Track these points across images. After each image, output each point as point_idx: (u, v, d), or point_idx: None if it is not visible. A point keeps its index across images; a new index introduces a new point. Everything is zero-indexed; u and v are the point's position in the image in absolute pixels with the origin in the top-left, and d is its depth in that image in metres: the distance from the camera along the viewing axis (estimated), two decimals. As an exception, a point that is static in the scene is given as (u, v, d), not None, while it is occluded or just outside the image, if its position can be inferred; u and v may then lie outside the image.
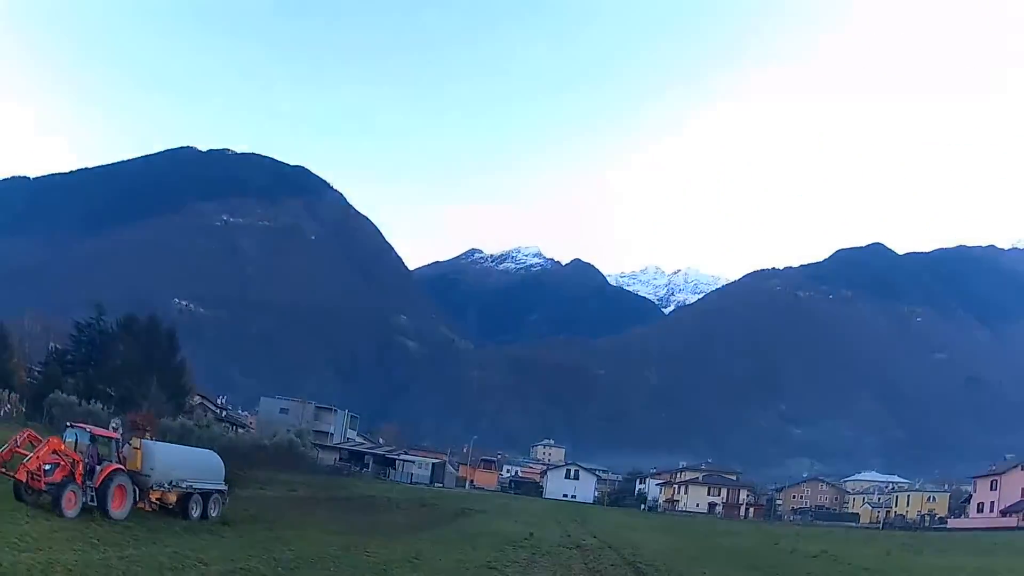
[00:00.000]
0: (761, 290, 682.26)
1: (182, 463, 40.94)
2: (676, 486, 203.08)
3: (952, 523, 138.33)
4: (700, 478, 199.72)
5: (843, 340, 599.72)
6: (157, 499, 38.97)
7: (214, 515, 41.81)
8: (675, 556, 57.06)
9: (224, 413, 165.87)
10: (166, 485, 39.01)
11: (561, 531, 71.87)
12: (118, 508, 34.40)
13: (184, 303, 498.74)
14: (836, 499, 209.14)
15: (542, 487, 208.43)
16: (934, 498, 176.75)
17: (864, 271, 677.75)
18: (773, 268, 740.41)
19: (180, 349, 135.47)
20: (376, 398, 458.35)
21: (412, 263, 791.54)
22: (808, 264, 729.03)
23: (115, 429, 38.62)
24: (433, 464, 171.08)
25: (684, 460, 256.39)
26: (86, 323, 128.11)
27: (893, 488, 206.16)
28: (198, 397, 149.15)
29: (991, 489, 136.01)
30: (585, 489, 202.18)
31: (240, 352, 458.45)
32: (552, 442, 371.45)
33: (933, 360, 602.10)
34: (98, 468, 34.39)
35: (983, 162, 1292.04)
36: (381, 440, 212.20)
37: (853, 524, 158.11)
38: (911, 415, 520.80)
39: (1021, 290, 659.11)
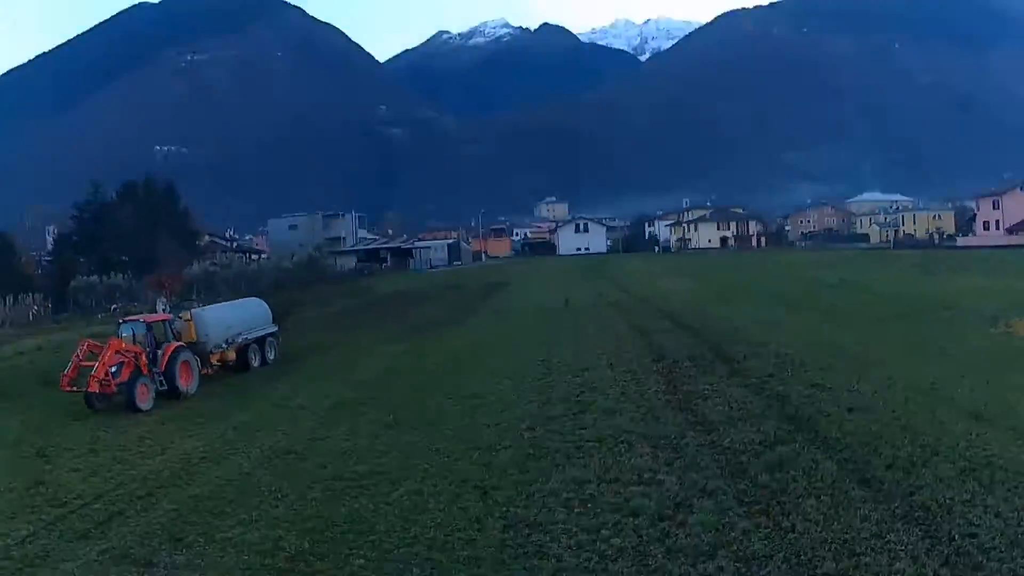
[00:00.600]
0: (734, 30, 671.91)
1: (232, 320, 41.31)
2: (685, 225, 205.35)
3: (961, 241, 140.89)
4: (708, 215, 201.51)
5: (825, 72, 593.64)
6: (218, 361, 39.48)
7: (272, 358, 42.92)
8: (704, 299, 60.32)
9: (235, 244, 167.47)
10: (224, 345, 39.60)
11: (592, 291, 74.28)
12: (188, 383, 34.98)
13: (167, 149, 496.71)
14: (843, 221, 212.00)
15: (554, 245, 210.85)
16: (940, 216, 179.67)
17: (834, 5, 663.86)
18: (743, 8, 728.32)
19: (180, 198, 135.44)
20: (373, 193, 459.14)
21: (382, 56, 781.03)
22: (777, 2, 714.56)
23: (164, 308, 39.69)
24: (448, 245, 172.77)
25: (686, 197, 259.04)
26: (85, 201, 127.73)
27: (898, 208, 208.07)
28: (207, 237, 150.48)
29: (994, 208, 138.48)
30: (597, 241, 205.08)
31: (232, 183, 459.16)
32: (554, 199, 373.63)
33: (920, 85, 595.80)
34: (159, 352, 34.59)
35: None
36: (390, 231, 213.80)
37: (864, 245, 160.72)
38: (905, 138, 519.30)
39: (995, 16, 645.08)
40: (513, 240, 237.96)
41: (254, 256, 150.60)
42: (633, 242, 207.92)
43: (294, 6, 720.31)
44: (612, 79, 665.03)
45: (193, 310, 40.14)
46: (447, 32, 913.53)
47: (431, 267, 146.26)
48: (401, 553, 15.59)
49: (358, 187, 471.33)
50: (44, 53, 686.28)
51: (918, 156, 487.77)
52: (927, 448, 18.94)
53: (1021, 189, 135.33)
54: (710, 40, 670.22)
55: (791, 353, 32.86)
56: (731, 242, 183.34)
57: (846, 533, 14.51)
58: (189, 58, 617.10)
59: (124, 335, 34.35)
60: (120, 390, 32.01)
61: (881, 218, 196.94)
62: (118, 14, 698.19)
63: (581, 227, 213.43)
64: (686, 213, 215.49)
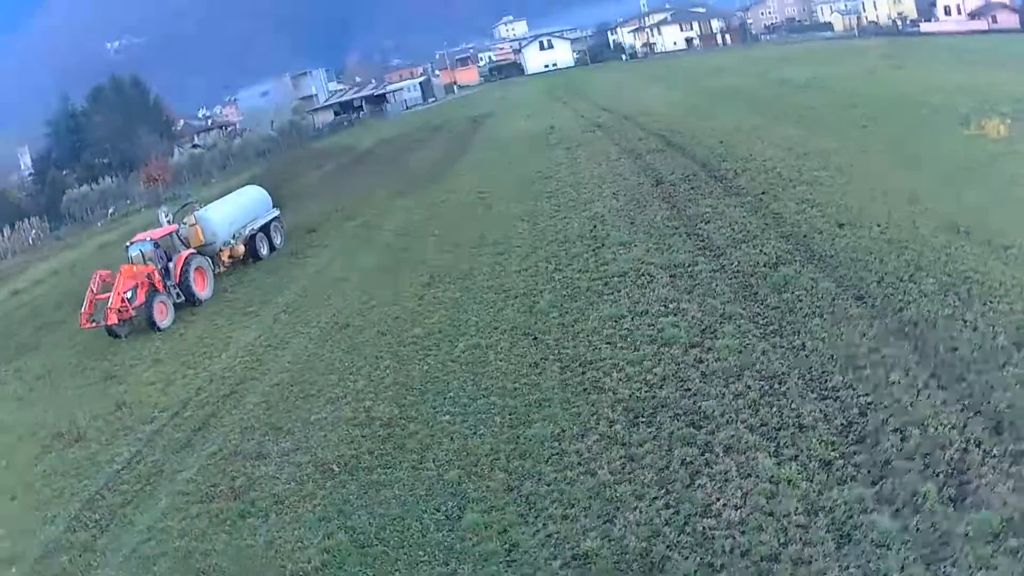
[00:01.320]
0: None
1: (236, 213, 40.79)
2: (649, 30, 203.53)
3: (924, 27, 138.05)
4: (669, 18, 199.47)
5: None
6: (228, 257, 39.50)
7: (279, 243, 42.77)
8: (684, 112, 60.93)
9: (210, 121, 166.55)
10: (231, 241, 39.35)
11: (573, 113, 74.95)
12: (203, 289, 35.17)
13: (117, 43, 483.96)
14: (804, 9, 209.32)
15: (521, 65, 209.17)
16: (901, 0, 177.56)
17: None
18: None
19: (149, 90, 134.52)
20: (328, 42, 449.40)
21: None
22: None
23: (167, 218, 39.53)
24: (420, 84, 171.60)
25: (644, 0, 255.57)
26: (56, 115, 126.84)
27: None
28: (181, 121, 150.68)
29: None
30: (563, 55, 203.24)
31: (187, 60, 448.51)
32: (511, 18, 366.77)
33: None
34: (171, 265, 34.56)
35: None
36: (357, 80, 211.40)
37: (828, 34, 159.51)
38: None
39: None
40: (479, 67, 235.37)
41: (229, 128, 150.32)
42: (599, 53, 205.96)
43: None
44: None
45: (196, 212, 39.26)
46: None
47: (407, 108, 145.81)
48: (479, 404, 17.97)
49: (313, 38, 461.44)
50: None
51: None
52: (911, 263, 20.94)
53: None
54: None
55: (778, 167, 34.76)
56: (696, 42, 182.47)
57: (848, 349, 16.92)
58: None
59: (134, 256, 34.40)
60: (139, 312, 32.25)
61: (842, 5, 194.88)
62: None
63: (546, 44, 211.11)
64: (647, 18, 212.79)
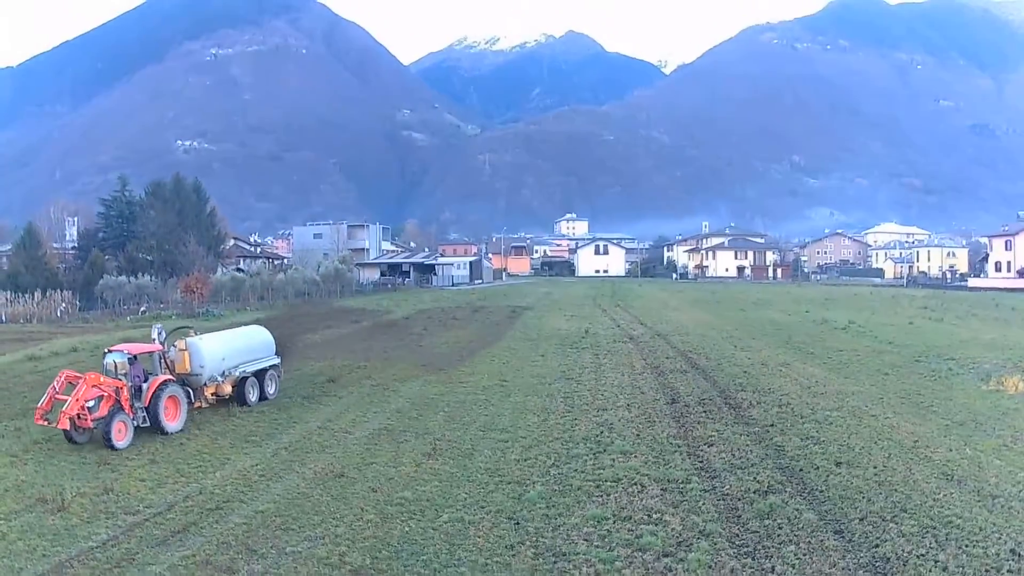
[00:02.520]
0: (758, 44, 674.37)
1: (231, 350, 38.92)
2: (704, 252, 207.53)
3: (972, 282, 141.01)
4: (726, 243, 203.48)
5: (846, 90, 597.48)
6: (212, 394, 37.60)
7: (272, 393, 40.44)
8: (718, 338, 63.56)
9: (259, 249, 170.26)
10: (219, 378, 37.59)
11: (610, 322, 77.80)
12: (174, 421, 33.09)
13: (188, 143, 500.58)
14: (859, 253, 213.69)
15: (573, 265, 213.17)
16: (954, 253, 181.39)
17: (859, 20, 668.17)
18: (767, 23, 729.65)
19: (209, 199, 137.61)
20: (393, 197, 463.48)
21: (406, 59, 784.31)
22: (802, 17, 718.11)
23: (158, 336, 36.77)
24: (470, 263, 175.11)
25: (705, 219, 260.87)
26: (112, 198, 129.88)
27: (913, 242, 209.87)
28: (232, 240, 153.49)
29: (1006, 249, 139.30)
30: (615, 263, 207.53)
31: (252, 179, 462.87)
32: (574, 216, 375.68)
33: (938, 108, 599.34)
34: (145, 386, 32.67)
35: None
36: (412, 244, 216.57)
37: (878, 280, 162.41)
38: (922, 161, 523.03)
39: (1017, 39, 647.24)
40: (532, 259, 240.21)
41: (277, 262, 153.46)
42: (651, 267, 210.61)
43: (318, 1, 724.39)
44: (635, 89, 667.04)
45: (189, 339, 37.63)
46: (471, 36, 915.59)
47: (453, 284, 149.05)
48: (448, 572, 18.69)
49: (379, 190, 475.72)
50: (68, 41, 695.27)
51: (934, 182, 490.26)
52: (897, 505, 21.81)
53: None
54: (733, 53, 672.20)
55: (794, 403, 35.96)
56: (748, 271, 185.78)
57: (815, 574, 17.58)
58: (213, 52, 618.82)
59: (107, 365, 32.83)
60: (97, 426, 30.70)
61: (896, 253, 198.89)
62: (140, 5, 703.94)
63: (601, 249, 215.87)
64: (705, 240, 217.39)
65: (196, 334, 38.82)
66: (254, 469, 28.03)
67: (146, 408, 32.26)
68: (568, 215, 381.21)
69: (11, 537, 20.98)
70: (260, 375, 39.91)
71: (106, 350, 34.25)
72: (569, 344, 60.11)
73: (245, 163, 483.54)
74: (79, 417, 30.16)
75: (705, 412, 34.65)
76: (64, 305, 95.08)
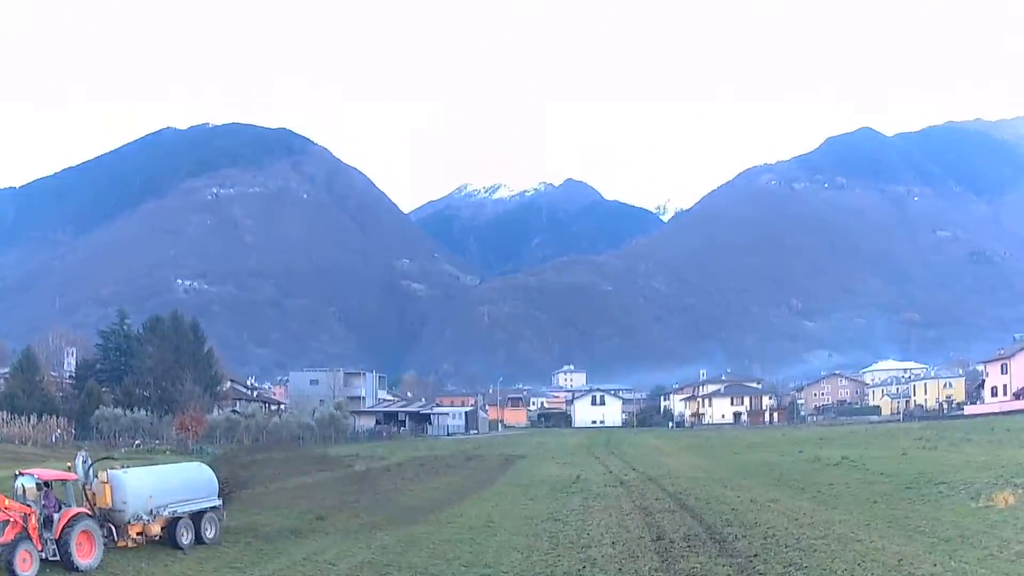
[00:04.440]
0: (756, 186, 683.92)
1: (161, 487, 36.17)
2: (700, 400, 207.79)
3: (968, 410, 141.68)
4: (722, 390, 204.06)
5: (844, 227, 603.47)
6: (138, 533, 34.64)
7: (211, 537, 37.40)
8: (709, 480, 63.51)
9: (256, 393, 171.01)
10: (145, 517, 34.58)
11: (603, 468, 77.68)
12: (86, 558, 30.37)
13: (188, 283, 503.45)
14: (856, 392, 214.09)
15: (570, 416, 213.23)
16: (951, 384, 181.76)
17: (856, 156, 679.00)
18: (765, 164, 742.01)
19: (206, 339, 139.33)
20: (391, 346, 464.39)
21: (406, 206, 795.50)
22: (799, 156, 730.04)
23: (82, 464, 34.59)
24: (466, 413, 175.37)
25: (703, 368, 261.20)
26: (110, 330, 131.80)
27: (910, 377, 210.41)
28: (229, 382, 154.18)
29: (1002, 373, 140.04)
30: (612, 413, 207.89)
31: (251, 323, 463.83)
32: (572, 368, 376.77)
33: (936, 238, 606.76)
34: (56, 516, 30.35)
35: (965, 37, 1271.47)
36: (409, 394, 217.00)
37: (875, 417, 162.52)
38: (920, 295, 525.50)
39: (1013, 161, 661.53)
40: (529, 410, 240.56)
41: (274, 407, 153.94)
42: (648, 416, 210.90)
43: (320, 145, 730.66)
44: (634, 238, 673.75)
45: (112, 471, 34.92)
46: (471, 184, 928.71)
47: (448, 433, 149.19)
48: None
49: (378, 340, 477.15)
50: (71, 168, 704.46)
51: (932, 314, 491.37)
52: None
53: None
54: (731, 197, 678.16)
55: (779, 534, 35.80)
56: (744, 417, 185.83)
57: None
58: (215, 191, 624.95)
59: (16, 488, 30.68)
60: (1, 551, 28.07)
61: (893, 389, 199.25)
62: (146, 136, 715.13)
63: (597, 399, 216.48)
64: (701, 388, 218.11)
65: (122, 467, 36.74)
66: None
67: (56, 540, 29.82)
68: (566, 367, 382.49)
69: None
70: (197, 517, 36.97)
71: (17, 472, 32.30)
72: (559, 489, 60.11)
73: (244, 307, 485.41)
74: None
75: (689, 547, 34.53)
76: (59, 431, 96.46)
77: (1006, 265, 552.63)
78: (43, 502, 30.36)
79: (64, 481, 32.18)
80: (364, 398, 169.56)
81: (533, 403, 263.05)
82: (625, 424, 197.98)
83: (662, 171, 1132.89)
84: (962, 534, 31.82)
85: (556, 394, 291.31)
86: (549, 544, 37.01)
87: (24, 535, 28.54)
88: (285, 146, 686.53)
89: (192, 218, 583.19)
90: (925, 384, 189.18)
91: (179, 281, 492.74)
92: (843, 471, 61.51)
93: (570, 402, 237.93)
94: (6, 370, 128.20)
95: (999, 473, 46.47)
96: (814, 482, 55.99)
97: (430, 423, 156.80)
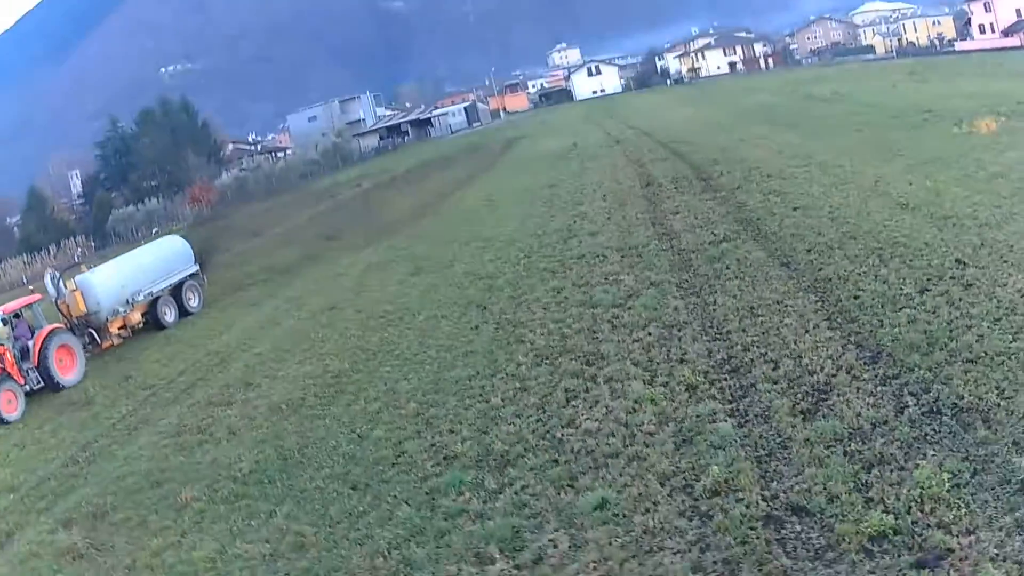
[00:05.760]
0: None
1: (131, 274, 35.07)
2: (694, 54, 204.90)
3: (959, 46, 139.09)
4: (713, 42, 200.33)
5: None
6: (120, 328, 33.91)
7: (194, 306, 36.91)
8: (703, 126, 64.11)
9: (259, 146, 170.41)
10: (121, 309, 33.81)
11: (601, 132, 78.15)
12: (70, 373, 29.24)
13: (172, 68, 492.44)
14: (848, 34, 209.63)
15: (570, 91, 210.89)
16: (939, 22, 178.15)
17: None
18: None
19: (198, 112, 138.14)
20: (385, 68, 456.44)
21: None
22: None
23: (52, 282, 33.72)
24: (465, 109, 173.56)
25: (695, 27, 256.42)
26: (106, 138, 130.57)
27: (899, 16, 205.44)
28: (231, 145, 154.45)
29: (986, 11, 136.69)
30: (610, 81, 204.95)
31: (243, 85, 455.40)
32: (565, 44, 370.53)
33: None
34: (31, 344, 28.90)
35: None
36: (408, 105, 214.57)
37: (870, 56, 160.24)
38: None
39: None
40: (529, 93, 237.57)
41: (279, 154, 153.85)
42: (646, 78, 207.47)
43: None
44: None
45: (78, 277, 33.76)
46: None
47: (452, 132, 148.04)
48: (418, 358, 20.34)
49: (370, 66, 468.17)
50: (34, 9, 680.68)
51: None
52: (847, 235, 22.21)
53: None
54: None
55: (763, 166, 36.60)
56: (739, 66, 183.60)
57: (754, 302, 18.45)
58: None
59: None
60: None
61: (883, 28, 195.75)
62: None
63: (594, 70, 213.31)
64: (693, 43, 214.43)
65: (87, 269, 35.33)
66: (256, 323, 30.74)
67: (37, 367, 28.43)
68: (559, 45, 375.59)
69: (44, 439, 22.82)
70: (177, 290, 36.30)
71: None
72: (557, 159, 60.91)
73: (233, 72, 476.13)
74: None
75: (676, 188, 35.76)
76: (80, 250, 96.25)
77: None
78: (15, 335, 29.11)
79: (29, 305, 30.99)
80: (363, 119, 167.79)
81: (532, 86, 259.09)
82: (625, 89, 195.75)
83: None
84: (941, 156, 31.76)
85: (554, 73, 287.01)
86: (544, 208, 38.53)
87: (4, 375, 27.11)
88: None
89: (156, 8, 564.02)
90: (915, 22, 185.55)
91: (163, 69, 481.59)
92: (832, 106, 61.15)
93: (567, 78, 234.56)
94: (17, 218, 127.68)
95: (984, 103, 45.23)
96: (804, 117, 56.06)
97: (432, 126, 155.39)
